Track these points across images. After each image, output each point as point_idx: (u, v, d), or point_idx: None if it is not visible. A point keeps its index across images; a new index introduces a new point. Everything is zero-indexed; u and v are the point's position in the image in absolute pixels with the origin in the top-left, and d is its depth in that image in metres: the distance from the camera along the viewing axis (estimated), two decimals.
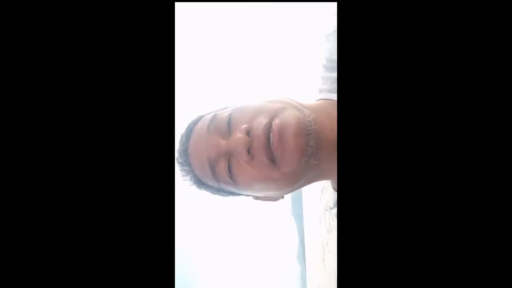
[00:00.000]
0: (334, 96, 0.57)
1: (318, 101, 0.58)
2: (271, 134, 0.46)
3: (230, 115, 0.52)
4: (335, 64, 0.56)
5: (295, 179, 0.50)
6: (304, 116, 0.48)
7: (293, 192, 0.58)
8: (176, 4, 0.28)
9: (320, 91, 0.60)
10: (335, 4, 0.50)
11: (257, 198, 0.62)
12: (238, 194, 0.60)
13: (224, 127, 0.52)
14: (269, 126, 0.47)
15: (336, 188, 0.60)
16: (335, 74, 0.57)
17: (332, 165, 0.51)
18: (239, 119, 0.51)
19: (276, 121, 0.47)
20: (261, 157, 0.48)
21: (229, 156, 0.51)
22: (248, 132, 0.49)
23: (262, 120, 0.48)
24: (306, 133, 0.46)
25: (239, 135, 0.48)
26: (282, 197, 0.61)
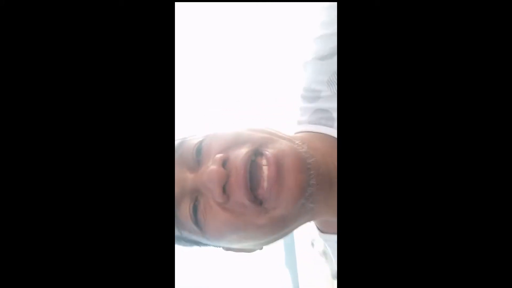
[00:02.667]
0: (316, 128, 0.49)
1: (298, 134, 0.50)
2: (267, 167, 0.36)
3: (200, 142, 0.41)
4: (314, 94, 0.50)
5: (284, 225, 0.40)
6: (298, 146, 0.39)
7: (285, 238, 0.46)
8: (176, 4, 0.28)
9: (299, 123, 0.52)
10: (315, 29, 0.49)
11: (228, 249, 0.48)
12: (205, 244, 0.46)
13: (193, 157, 0.40)
14: (250, 156, 0.37)
15: (321, 229, 0.51)
16: (314, 104, 0.50)
17: (323, 206, 0.42)
18: (212, 147, 0.40)
19: (269, 151, 0.37)
20: (240, 198, 0.37)
21: (196, 194, 0.39)
22: (224, 163, 0.37)
23: (243, 150, 0.38)
24: (307, 167, 0.37)
25: (212, 166, 0.37)
26: (261, 248, 0.48)
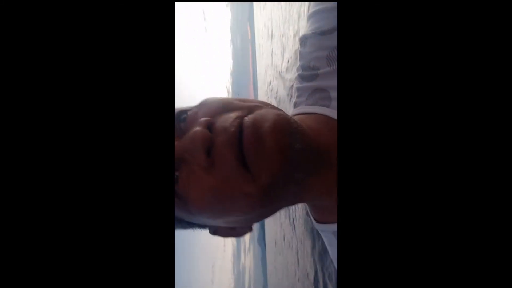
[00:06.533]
0: (313, 109, 0.46)
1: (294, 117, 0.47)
2: (243, 130, 0.34)
3: (186, 110, 0.40)
4: (313, 72, 0.48)
5: (273, 196, 0.36)
6: (283, 113, 0.37)
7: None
8: (176, 4, 0.27)
9: (296, 104, 0.49)
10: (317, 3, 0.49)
11: (215, 231, 0.46)
12: (190, 225, 0.44)
13: (177, 124, 0.39)
14: (240, 120, 0.35)
15: (317, 218, 0.48)
16: (312, 84, 0.48)
17: (317, 184, 0.40)
18: (198, 114, 0.38)
19: (250, 116, 0.35)
20: (228, 160, 0.34)
21: (178, 163, 0.36)
22: (209, 127, 0.35)
23: (232, 115, 0.36)
24: (290, 131, 0.35)
25: (196, 128, 0.35)
26: (250, 229, 0.46)
